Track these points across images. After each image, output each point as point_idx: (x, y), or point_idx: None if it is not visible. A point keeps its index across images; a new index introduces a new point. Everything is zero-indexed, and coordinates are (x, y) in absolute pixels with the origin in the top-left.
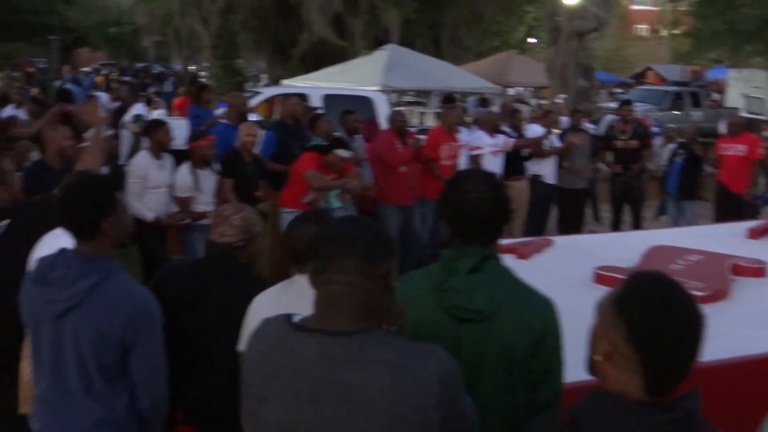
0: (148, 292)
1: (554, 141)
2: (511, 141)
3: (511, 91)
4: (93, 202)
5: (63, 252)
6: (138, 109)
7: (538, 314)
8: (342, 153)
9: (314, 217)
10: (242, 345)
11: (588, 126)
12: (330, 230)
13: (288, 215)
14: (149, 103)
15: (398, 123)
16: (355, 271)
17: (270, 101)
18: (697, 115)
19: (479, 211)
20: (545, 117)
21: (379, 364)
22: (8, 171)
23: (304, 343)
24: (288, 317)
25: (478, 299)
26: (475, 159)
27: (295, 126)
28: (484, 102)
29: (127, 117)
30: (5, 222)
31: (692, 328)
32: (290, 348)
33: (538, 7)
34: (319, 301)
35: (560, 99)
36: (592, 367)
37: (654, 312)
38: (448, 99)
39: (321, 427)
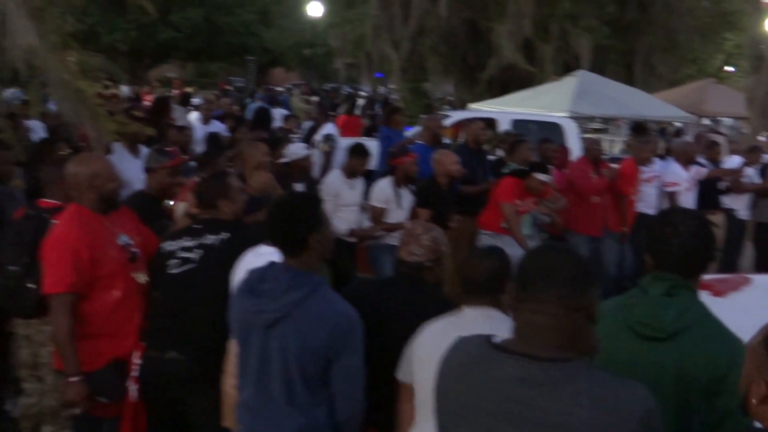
0: (351, 307)
1: (753, 176)
2: (704, 170)
3: (706, 121)
4: (302, 218)
5: (272, 265)
6: (328, 128)
7: (725, 349)
8: (542, 177)
9: (492, 251)
10: (401, 374)
11: None
12: (534, 259)
13: (487, 237)
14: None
15: (593, 151)
16: (559, 301)
17: (456, 125)
18: None
19: (686, 244)
20: (752, 153)
21: (582, 394)
22: (235, 187)
23: (506, 364)
24: (488, 338)
25: (664, 317)
26: (671, 195)
27: (477, 150)
28: (678, 133)
29: (318, 136)
30: (224, 235)
31: None
32: (491, 368)
33: (737, 35)
34: (519, 329)
35: (764, 136)
36: (749, 411)
37: None
38: (639, 128)
39: None
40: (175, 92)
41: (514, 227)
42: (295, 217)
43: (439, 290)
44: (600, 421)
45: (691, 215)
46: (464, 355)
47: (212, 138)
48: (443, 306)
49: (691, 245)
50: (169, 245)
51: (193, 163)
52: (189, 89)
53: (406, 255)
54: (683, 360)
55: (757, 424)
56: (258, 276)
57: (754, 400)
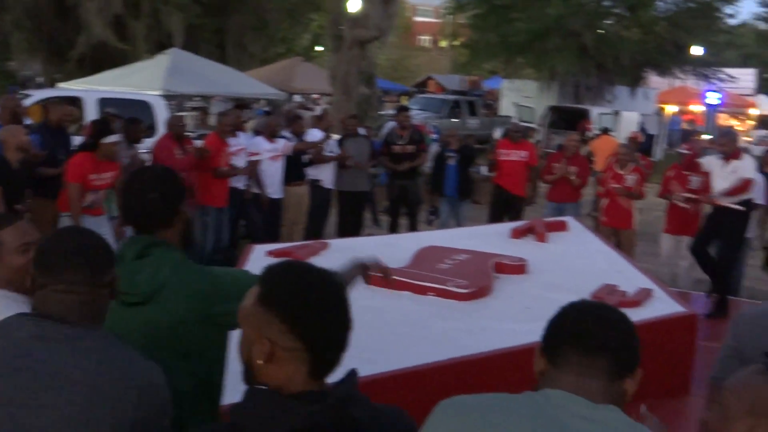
0: None
1: (333, 147)
2: (291, 145)
3: (297, 98)
4: None
5: None
6: None
7: (201, 287)
8: (111, 139)
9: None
10: None
11: (362, 131)
12: (58, 242)
13: (66, 219)
14: None
15: (177, 128)
16: (86, 281)
17: (40, 105)
18: (473, 122)
19: (142, 200)
20: (322, 120)
21: (91, 352)
22: None
23: (26, 325)
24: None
25: (137, 280)
26: (253, 164)
27: (59, 130)
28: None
29: None
30: None
31: (337, 297)
32: (12, 329)
33: (322, 16)
34: (46, 307)
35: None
36: (253, 376)
37: (301, 293)
38: (241, 106)
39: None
40: None
41: (74, 207)
42: None
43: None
44: (104, 380)
45: (150, 173)
46: None
47: None
48: None
49: (147, 200)
50: None
51: None
52: None
53: None
54: (160, 321)
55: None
56: None
57: (259, 361)
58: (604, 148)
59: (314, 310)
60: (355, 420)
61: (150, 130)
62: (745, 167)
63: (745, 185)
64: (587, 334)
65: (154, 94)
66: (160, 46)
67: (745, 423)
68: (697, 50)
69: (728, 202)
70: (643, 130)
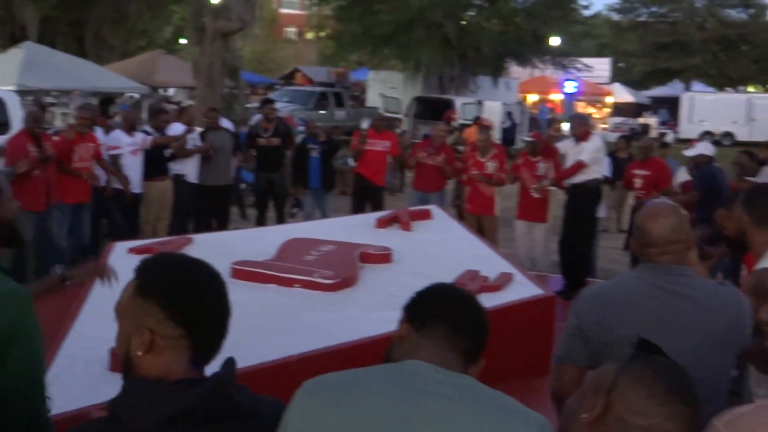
0: None
1: (196, 140)
2: (150, 139)
3: (171, 91)
4: None
5: None
6: None
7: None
8: None
9: None
10: None
11: (227, 124)
12: None
13: None
14: None
15: (33, 124)
16: None
17: None
18: (340, 114)
19: None
20: (184, 114)
21: None
22: None
23: None
24: None
25: None
26: (114, 159)
27: None
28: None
29: None
30: None
31: (215, 283)
32: None
33: (184, 7)
34: None
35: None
36: (132, 368)
37: (178, 280)
38: (106, 101)
39: None
40: None
41: None
42: None
43: None
44: None
45: None
46: None
47: None
48: None
49: None
50: None
51: None
52: None
53: None
54: None
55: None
56: None
57: (139, 353)
58: (474, 136)
59: (192, 295)
60: (234, 404)
61: (3, 127)
62: (588, 149)
63: (575, 167)
64: (460, 316)
65: (7, 89)
66: (13, 39)
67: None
68: (554, 41)
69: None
70: (510, 118)
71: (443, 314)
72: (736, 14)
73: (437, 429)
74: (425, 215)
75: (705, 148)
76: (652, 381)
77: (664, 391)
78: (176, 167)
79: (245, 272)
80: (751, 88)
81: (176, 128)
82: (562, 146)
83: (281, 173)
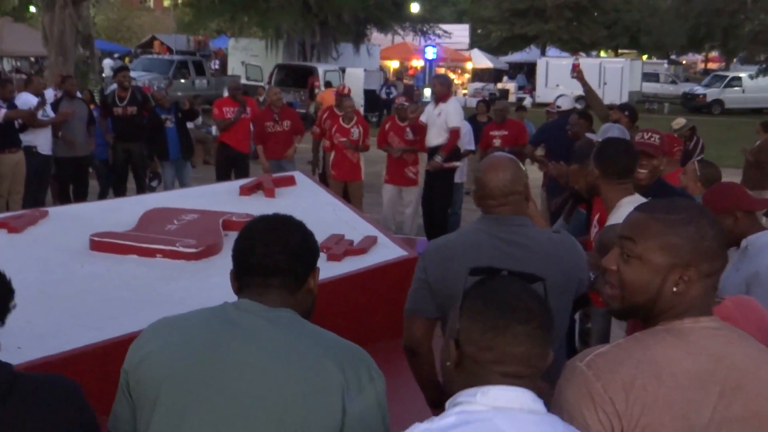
0: None
1: (48, 111)
2: (2, 112)
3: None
4: None
5: None
6: None
7: None
8: None
9: None
10: None
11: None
12: None
13: None
14: None
15: None
16: None
17: None
18: (201, 82)
19: None
20: (31, 84)
21: None
22: None
23: None
24: None
25: None
26: None
27: None
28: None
29: None
30: None
31: None
32: None
33: None
34: None
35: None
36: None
37: None
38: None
39: None
40: None
41: None
42: None
43: None
44: None
45: None
46: None
47: None
48: None
49: None
50: None
51: None
52: None
53: None
54: None
55: None
56: None
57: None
58: (330, 100)
59: None
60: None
61: None
62: (449, 111)
63: (453, 137)
64: (265, 262)
65: None
66: None
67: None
68: (414, 7)
69: (447, 163)
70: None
71: (251, 267)
72: None
73: (245, 346)
74: (289, 181)
75: (563, 102)
76: (483, 311)
77: (497, 318)
78: (26, 138)
79: (104, 244)
80: (602, 53)
81: (25, 99)
82: (424, 117)
83: (139, 144)
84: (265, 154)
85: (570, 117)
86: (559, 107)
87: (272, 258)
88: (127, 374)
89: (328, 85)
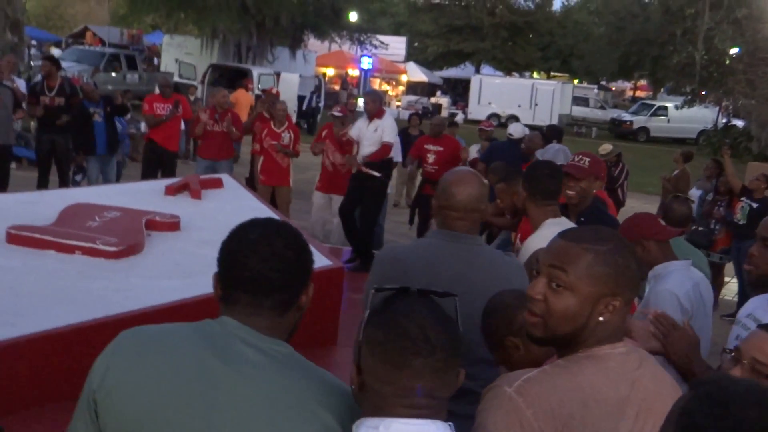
0: None
1: None
2: None
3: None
4: None
5: None
6: None
7: None
8: None
9: None
10: None
11: (21, 81)
12: None
13: None
14: None
15: None
16: None
17: None
18: (132, 77)
19: None
20: None
21: None
22: None
23: None
24: None
25: None
26: None
27: None
28: None
29: None
30: None
31: None
32: None
33: None
34: None
35: None
36: None
37: None
38: None
39: None
40: None
41: None
42: None
43: None
44: None
45: None
46: None
47: None
48: None
49: None
50: None
51: None
52: None
53: None
54: None
55: None
56: None
57: None
58: (242, 101)
59: None
60: None
61: None
62: (385, 127)
63: (384, 150)
64: (258, 279)
65: None
66: None
67: None
68: (353, 16)
69: (369, 169)
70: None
71: (241, 283)
72: (524, 3)
73: (239, 388)
74: (216, 183)
75: (514, 129)
76: (383, 344)
77: (396, 353)
78: None
79: (22, 237)
80: (535, 75)
81: None
82: (355, 132)
83: (65, 135)
84: (200, 153)
85: (529, 133)
86: (510, 135)
87: (267, 276)
88: (94, 394)
89: (240, 87)
